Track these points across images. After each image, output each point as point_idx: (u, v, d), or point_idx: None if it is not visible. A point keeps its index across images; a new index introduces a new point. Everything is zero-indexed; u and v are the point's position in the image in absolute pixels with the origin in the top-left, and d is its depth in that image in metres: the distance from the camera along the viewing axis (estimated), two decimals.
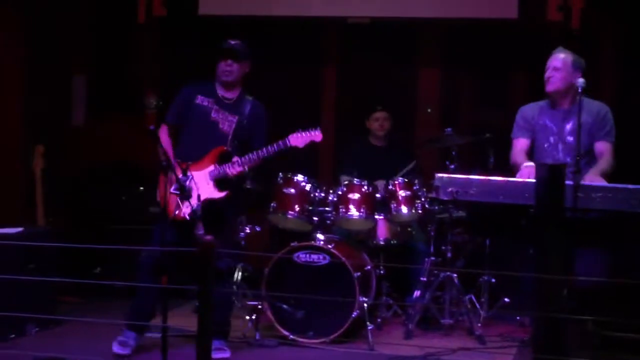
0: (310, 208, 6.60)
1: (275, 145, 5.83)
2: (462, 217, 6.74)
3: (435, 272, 6.65)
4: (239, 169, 5.80)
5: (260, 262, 6.73)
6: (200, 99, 5.98)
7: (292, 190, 6.58)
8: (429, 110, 7.66)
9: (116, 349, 5.72)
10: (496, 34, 8.02)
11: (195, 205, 5.38)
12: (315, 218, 6.62)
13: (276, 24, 8.39)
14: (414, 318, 6.55)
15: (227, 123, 5.95)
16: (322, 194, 6.68)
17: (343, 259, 6.24)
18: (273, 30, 8.43)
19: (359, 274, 6.30)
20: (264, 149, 5.82)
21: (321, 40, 8.51)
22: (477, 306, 6.75)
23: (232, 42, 5.99)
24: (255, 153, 5.81)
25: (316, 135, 5.89)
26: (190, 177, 5.51)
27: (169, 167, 5.49)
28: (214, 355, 5.15)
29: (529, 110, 5.95)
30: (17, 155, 7.30)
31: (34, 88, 7.49)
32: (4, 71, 7.26)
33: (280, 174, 6.63)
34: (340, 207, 6.59)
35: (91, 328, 6.19)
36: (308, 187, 6.62)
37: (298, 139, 5.86)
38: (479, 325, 6.48)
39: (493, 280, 6.87)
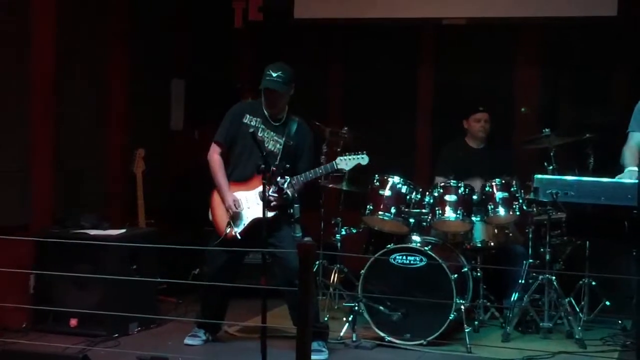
0: (406, 210, 6.58)
1: (322, 167, 6.09)
2: (561, 219, 6.64)
3: (534, 274, 6.57)
4: (288, 190, 5.86)
5: (356, 264, 6.76)
6: (247, 118, 6.05)
7: (388, 192, 6.58)
8: (522, 110, 7.54)
9: (187, 341, 6.16)
10: (596, 32, 7.87)
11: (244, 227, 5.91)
12: (411, 220, 6.61)
13: (371, 26, 8.40)
14: (511, 321, 6.48)
15: (272, 142, 6.01)
16: (419, 196, 6.65)
17: (440, 260, 6.22)
18: (368, 33, 8.45)
19: (455, 276, 6.26)
20: (312, 171, 6.00)
21: (417, 41, 8.48)
22: (577, 309, 6.64)
23: (274, 75, 5.89)
24: (303, 175, 5.95)
25: (362, 158, 6.06)
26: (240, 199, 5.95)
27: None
28: (312, 356, 5.18)
29: None
30: (120, 158, 7.46)
31: (135, 92, 7.64)
32: (110, 76, 7.42)
33: (376, 175, 6.64)
34: (437, 209, 6.55)
35: (190, 328, 6.29)
36: (404, 188, 6.62)
37: (345, 162, 6.06)
38: (579, 328, 6.37)
39: (593, 283, 6.75)
